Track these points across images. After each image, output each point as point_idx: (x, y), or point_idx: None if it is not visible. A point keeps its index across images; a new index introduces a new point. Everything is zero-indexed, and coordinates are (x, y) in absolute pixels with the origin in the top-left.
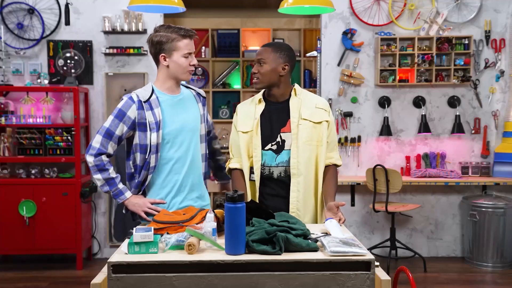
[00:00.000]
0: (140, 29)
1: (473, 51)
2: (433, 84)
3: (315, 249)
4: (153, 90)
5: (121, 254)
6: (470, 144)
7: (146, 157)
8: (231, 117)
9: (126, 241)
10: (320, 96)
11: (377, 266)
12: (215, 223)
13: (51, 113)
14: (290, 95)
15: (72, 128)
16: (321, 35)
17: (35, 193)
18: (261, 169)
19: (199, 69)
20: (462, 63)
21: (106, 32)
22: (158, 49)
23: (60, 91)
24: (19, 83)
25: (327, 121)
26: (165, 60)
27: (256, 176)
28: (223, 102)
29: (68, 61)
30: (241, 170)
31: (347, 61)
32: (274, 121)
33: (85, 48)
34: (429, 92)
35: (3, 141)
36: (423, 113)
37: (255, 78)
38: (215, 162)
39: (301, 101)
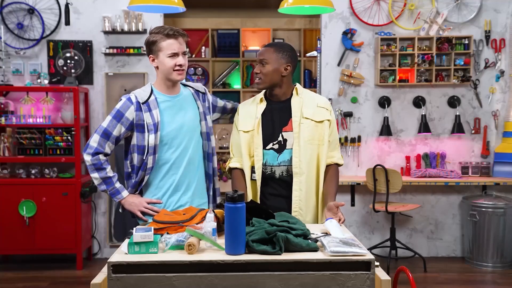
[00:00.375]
0: (140, 29)
1: (473, 51)
2: (433, 84)
3: (315, 249)
4: (152, 91)
5: (121, 254)
6: (470, 144)
7: (144, 158)
8: (231, 117)
9: (126, 241)
10: (321, 96)
11: (377, 266)
12: (215, 223)
13: (51, 113)
14: (291, 95)
15: (72, 128)
16: (321, 35)
17: (35, 193)
18: (263, 168)
19: (199, 69)
20: (462, 63)
21: (106, 32)
22: (148, 50)
23: (60, 91)
24: (19, 83)
25: (328, 120)
26: (154, 61)
27: (257, 176)
28: None
29: (68, 61)
30: (241, 170)
31: (347, 61)
32: (276, 120)
33: (85, 48)
34: (429, 92)
35: (3, 141)
36: (423, 113)
37: (257, 79)
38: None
39: (302, 100)
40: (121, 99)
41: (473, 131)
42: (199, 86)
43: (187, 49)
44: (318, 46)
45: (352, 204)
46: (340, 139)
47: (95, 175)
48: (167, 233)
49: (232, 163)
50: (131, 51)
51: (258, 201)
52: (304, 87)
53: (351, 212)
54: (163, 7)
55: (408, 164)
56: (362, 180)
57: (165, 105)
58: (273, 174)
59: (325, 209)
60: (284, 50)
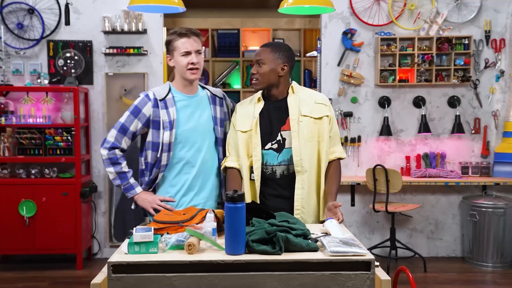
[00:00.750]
0: (140, 29)
1: (473, 51)
2: (433, 84)
3: (315, 249)
4: (170, 89)
5: (121, 254)
6: (470, 144)
7: (158, 155)
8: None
9: (126, 241)
10: (319, 92)
11: (377, 266)
12: (215, 223)
13: (51, 113)
14: (288, 93)
15: (72, 128)
16: (321, 35)
17: (35, 193)
18: (263, 168)
19: None
20: (462, 63)
21: (106, 32)
22: (166, 50)
23: (60, 91)
24: (19, 83)
25: (327, 116)
26: (170, 61)
27: (256, 176)
28: None
29: (68, 61)
30: (237, 170)
31: (347, 61)
32: (274, 120)
33: (85, 48)
34: (429, 92)
35: (3, 141)
36: (423, 113)
37: (254, 79)
38: None
39: (299, 98)
40: (139, 96)
41: (473, 131)
42: (218, 91)
43: (202, 48)
44: (318, 46)
45: (352, 204)
46: (340, 139)
47: (110, 170)
48: (167, 233)
49: (228, 162)
50: (131, 51)
51: (258, 202)
52: (304, 87)
53: (351, 212)
54: (163, 7)
55: (408, 164)
56: (362, 180)
57: (182, 104)
58: (274, 174)
59: (325, 209)
60: (280, 50)
